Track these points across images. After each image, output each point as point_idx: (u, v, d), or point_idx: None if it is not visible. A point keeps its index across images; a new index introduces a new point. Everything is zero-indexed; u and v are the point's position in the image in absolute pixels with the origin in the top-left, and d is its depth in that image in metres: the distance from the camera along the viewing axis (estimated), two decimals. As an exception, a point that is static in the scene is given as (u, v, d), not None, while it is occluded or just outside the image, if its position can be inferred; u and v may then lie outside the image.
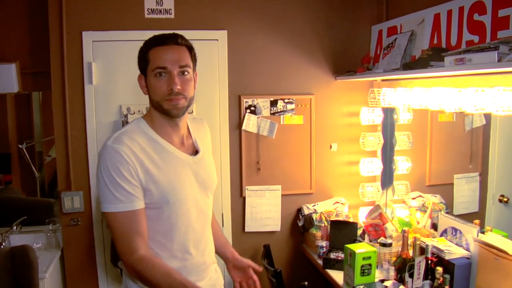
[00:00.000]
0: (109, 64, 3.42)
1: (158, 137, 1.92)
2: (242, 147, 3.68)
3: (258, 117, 3.66)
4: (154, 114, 1.94)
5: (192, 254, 2.00)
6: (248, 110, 3.65)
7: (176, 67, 1.85)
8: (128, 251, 1.80)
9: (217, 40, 3.55)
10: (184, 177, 1.95)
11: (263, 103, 3.66)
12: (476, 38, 2.53)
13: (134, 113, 3.41)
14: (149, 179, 1.83)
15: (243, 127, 3.65)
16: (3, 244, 3.36)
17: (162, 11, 3.44)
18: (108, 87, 3.44)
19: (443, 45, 2.81)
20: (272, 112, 3.68)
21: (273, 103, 3.68)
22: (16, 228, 3.54)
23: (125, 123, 3.40)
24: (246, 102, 3.64)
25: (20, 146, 3.75)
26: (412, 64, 2.80)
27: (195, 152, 2.06)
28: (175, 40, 1.88)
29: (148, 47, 1.89)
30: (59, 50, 3.34)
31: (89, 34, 3.37)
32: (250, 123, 3.64)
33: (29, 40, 3.48)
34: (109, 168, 1.77)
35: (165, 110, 1.88)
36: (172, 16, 3.47)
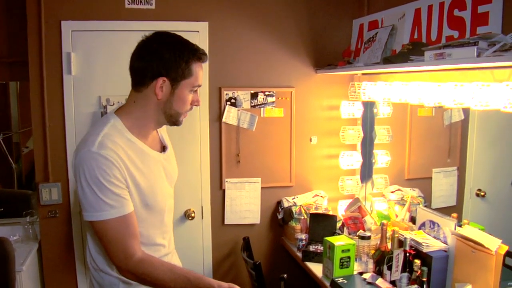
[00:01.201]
0: (88, 55, 3.36)
1: (134, 137, 1.87)
2: (222, 139, 3.67)
3: (239, 110, 3.65)
4: (146, 115, 1.89)
5: (162, 245, 2.02)
6: (228, 103, 3.63)
7: None
8: (124, 257, 1.77)
9: (198, 31, 3.51)
10: (158, 176, 1.95)
11: (243, 95, 3.65)
12: (456, 34, 2.56)
13: (114, 104, 3.36)
14: (132, 183, 1.80)
15: (223, 120, 3.63)
16: (-21, 236, 3.31)
17: (142, 1, 3.39)
18: (87, 78, 3.38)
19: (423, 40, 2.83)
20: (252, 104, 3.67)
21: (254, 96, 3.67)
22: (-8, 220, 3.51)
23: (104, 114, 3.35)
24: (226, 94, 3.62)
25: (-4, 137, 3.70)
26: (392, 58, 2.81)
27: (163, 148, 2.06)
28: None
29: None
30: (38, 39, 3.28)
31: (68, 24, 3.31)
32: (230, 115, 3.63)
33: (6, 28, 3.42)
34: (97, 176, 1.70)
35: (179, 121, 1.93)
36: (153, 6, 3.42)
